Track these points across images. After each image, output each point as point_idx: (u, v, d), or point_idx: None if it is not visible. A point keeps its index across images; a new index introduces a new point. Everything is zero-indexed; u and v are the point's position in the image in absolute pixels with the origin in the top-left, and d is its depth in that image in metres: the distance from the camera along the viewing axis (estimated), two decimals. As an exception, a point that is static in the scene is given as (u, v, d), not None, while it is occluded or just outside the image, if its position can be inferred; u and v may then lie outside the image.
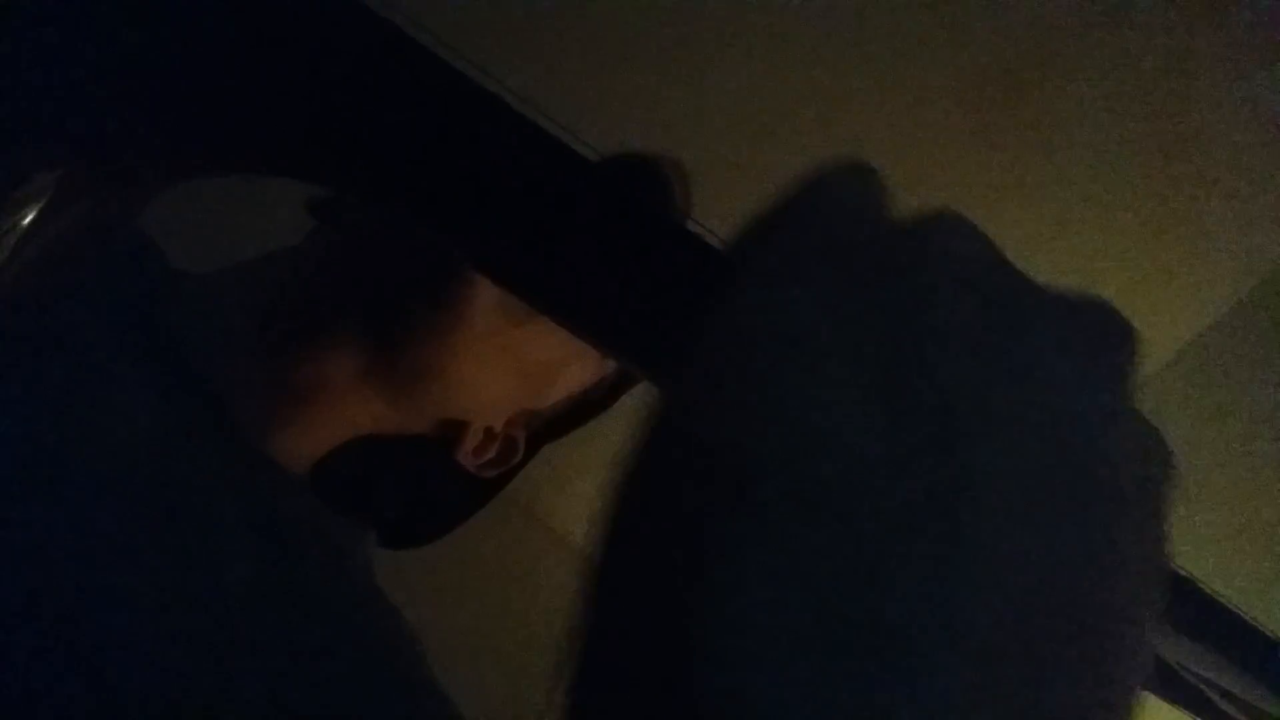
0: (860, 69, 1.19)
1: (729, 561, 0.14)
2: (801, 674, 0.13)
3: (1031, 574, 0.14)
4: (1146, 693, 0.16)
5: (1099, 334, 0.17)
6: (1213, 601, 0.23)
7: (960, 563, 0.14)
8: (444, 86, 0.25)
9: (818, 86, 1.22)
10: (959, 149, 1.23)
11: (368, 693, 0.36)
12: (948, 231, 0.18)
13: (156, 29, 0.25)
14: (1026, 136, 1.20)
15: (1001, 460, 0.15)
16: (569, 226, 0.25)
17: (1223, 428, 1.28)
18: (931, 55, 1.15)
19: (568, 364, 0.53)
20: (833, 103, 1.23)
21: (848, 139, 1.26)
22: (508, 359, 0.49)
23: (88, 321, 0.40)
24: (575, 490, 2.05)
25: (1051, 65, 1.13)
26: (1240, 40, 1.05)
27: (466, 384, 0.49)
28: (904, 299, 0.16)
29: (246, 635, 0.35)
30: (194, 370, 0.43)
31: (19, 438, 0.34)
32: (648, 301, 0.25)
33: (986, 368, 0.15)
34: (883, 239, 0.18)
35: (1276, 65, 1.06)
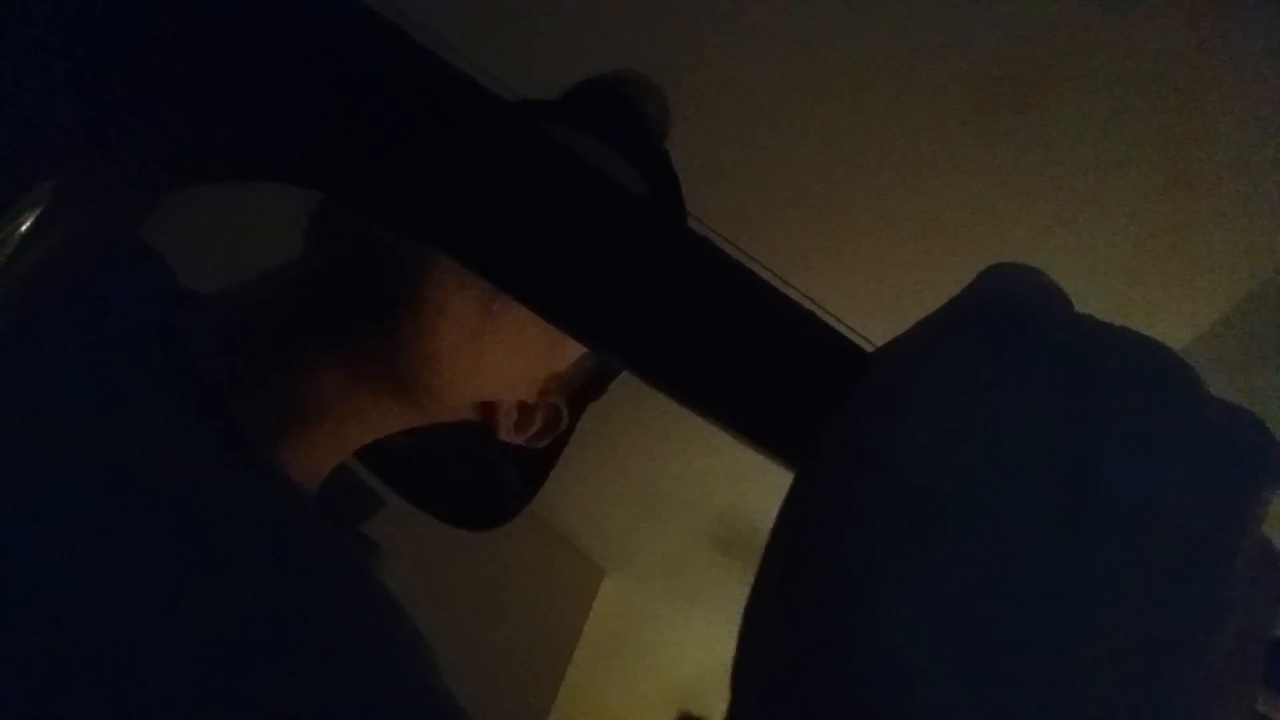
0: (863, 68, 1.19)
1: (906, 579, 0.17)
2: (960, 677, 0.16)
3: (1140, 623, 0.17)
4: None
5: (1248, 462, 0.19)
6: None
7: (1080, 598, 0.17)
8: (441, 83, 0.25)
9: (820, 85, 1.22)
10: (962, 147, 1.23)
11: (378, 704, 0.36)
12: (1121, 333, 0.20)
13: (154, 31, 0.25)
14: (1029, 135, 1.20)
15: (1129, 538, 0.17)
16: (561, 218, 0.24)
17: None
18: (935, 54, 1.15)
19: None
20: (836, 102, 1.23)
21: (850, 138, 1.26)
22: (502, 329, 0.49)
23: (97, 335, 0.40)
24: (578, 491, 2.05)
25: (1055, 64, 1.13)
26: (1244, 38, 1.05)
27: (469, 364, 0.48)
28: (1079, 382, 0.18)
29: (259, 641, 0.35)
30: (203, 384, 0.43)
31: (28, 450, 0.35)
32: (636, 296, 0.24)
33: (1141, 462, 0.18)
34: (1062, 328, 0.20)
35: None
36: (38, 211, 0.25)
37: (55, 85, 0.24)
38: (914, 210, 1.30)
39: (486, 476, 0.56)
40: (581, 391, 0.57)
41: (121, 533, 0.34)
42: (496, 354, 0.49)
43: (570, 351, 0.54)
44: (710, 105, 1.24)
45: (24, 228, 0.24)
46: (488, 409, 0.52)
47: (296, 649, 0.35)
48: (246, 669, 0.33)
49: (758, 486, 1.73)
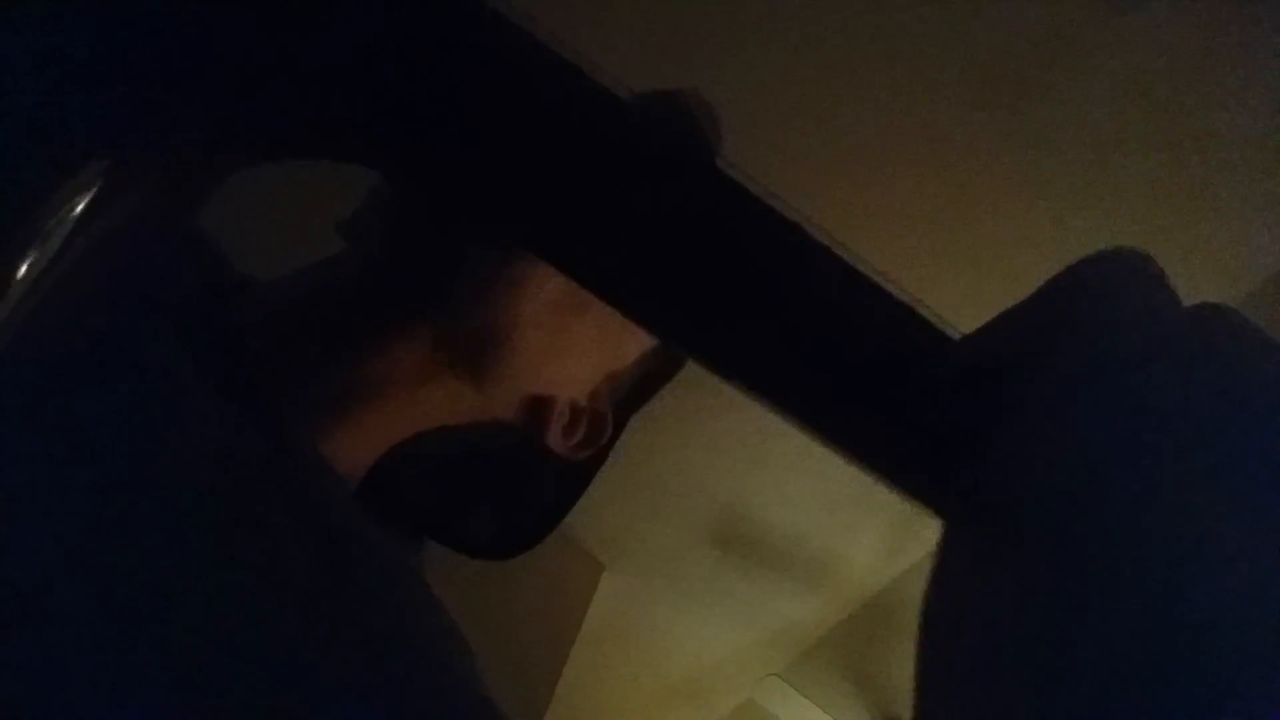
0: (865, 66, 1.19)
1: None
2: None
3: None
4: None
5: None
6: None
7: None
8: (509, 53, 0.24)
9: (821, 83, 1.22)
10: (962, 145, 1.23)
11: (421, 705, 0.36)
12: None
13: (198, 8, 0.24)
14: (1029, 134, 1.19)
15: None
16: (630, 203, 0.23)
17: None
18: (936, 52, 1.15)
19: None
20: (836, 99, 1.23)
21: (851, 136, 1.26)
22: (585, 317, 0.48)
23: (148, 324, 0.40)
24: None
25: (1056, 63, 1.13)
26: (1244, 37, 1.05)
27: (543, 350, 0.47)
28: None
29: (304, 642, 0.35)
30: (251, 375, 0.43)
31: (76, 440, 0.34)
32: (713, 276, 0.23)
33: None
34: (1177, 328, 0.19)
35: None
36: (89, 196, 0.24)
37: (103, 63, 0.24)
38: (911, 209, 1.30)
39: (521, 492, 0.55)
40: (625, 402, 0.56)
41: (156, 530, 0.34)
42: (574, 336, 0.48)
43: (632, 349, 0.52)
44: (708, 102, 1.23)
45: (76, 210, 0.24)
46: (538, 406, 0.50)
47: (335, 651, 0.35)
48: (282, 670, 0.33)
49: (757, 482, 1.73)
